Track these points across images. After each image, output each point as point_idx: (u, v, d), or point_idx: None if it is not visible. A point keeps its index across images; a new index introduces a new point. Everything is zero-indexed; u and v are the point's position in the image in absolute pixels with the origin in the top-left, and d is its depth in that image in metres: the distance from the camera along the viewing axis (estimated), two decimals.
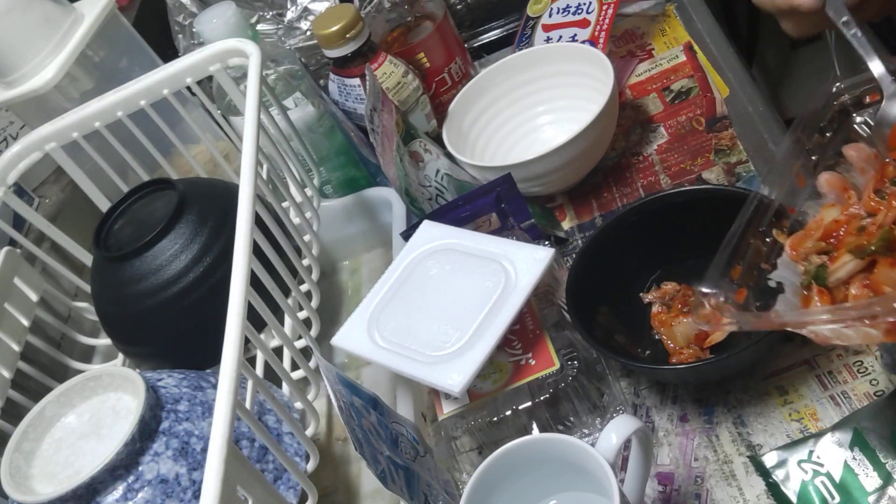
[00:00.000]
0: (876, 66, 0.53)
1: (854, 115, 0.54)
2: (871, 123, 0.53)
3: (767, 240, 0.53)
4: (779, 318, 0.49)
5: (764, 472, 0.57)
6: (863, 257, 0.47)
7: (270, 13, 0.99)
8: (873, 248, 0.46)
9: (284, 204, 0.76)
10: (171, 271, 0.69)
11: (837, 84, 0.55)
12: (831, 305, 0.48)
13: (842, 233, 0.50)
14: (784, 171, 0.54)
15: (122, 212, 0.75)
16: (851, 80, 0.55)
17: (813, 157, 0.54)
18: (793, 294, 0.51)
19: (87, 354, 0.83)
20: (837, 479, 0.55)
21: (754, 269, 0.52)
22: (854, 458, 0.55)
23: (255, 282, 0.57)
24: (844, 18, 0.53)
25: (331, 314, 0.88)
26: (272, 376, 0.66)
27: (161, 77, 0.77)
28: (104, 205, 0.83)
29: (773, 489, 0.56)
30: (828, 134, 0.55)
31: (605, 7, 0.93)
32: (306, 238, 0.80)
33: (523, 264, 0.63)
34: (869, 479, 0.54)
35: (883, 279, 0.46)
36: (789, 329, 0.47)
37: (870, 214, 0.49)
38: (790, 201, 0.54)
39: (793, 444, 0.58)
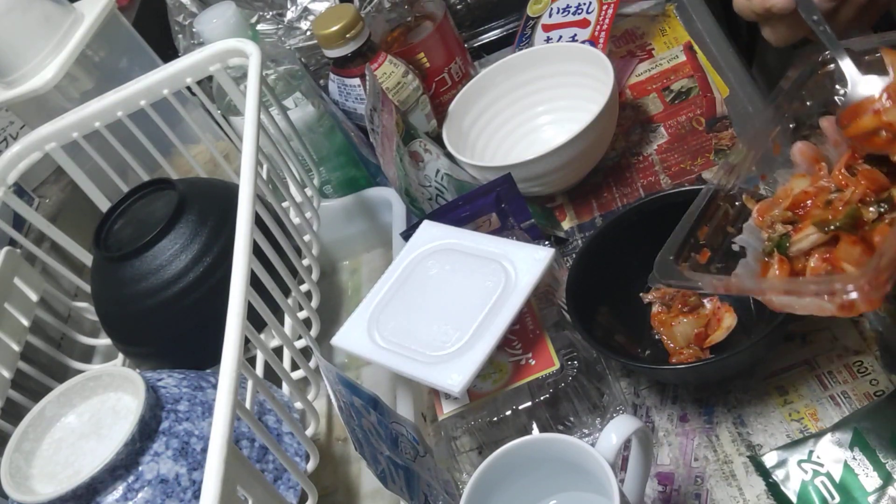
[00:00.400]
0: (846, 64, 0.53)
1: (837, 86, 0.54)
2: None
3: (737, 203, 0.54)
4: (739, 284, 0.50)
5: (764, 472, 0.57)
6: (826, 232, 0.47)
7: (270, 13, 0.99)
8: (838, 224, 0.47)
9: (284, 204, 0.76)
10: (171, 271, 0.69)
11: (825, 53, 0.55)
12: (789, 276, 0.48)
13: (809, 204, 0.50)
14: (761, 137, 0.55)
15: (122, 212, 0.75)
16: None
17: (791, 125, 0.55)
18: (754, 259, 0.51)
19: (87, 354, 0.83)
20: (837, 479, 0.55)
21: (720, 232, 0.53)
22: (854, 458, 0.55)
23: (255, 282, 0.57)
24: (815, 17, 0.53)
25: (331, 314, 0.88)
26: (272, 376, 0.66)
27: (161, 77, 0.77)
28: (104, 205, 0.83)
29: (773, 489, 0.56)
30: (808, 102, 0.55)
31: (605, 7, 0.93)
32: (306, 238, 0.80)
33: (523, 264, 0.63)
34: (869, 479, 0.54)
35: (843, 256, 0.46)
36: (747, 294, 0.47)
37: (838, 190, 0.49)
38: (764, 167, 0.54)
39: (793, 444, 0.58)
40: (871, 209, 0.47)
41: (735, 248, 0.53)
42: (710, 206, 0.54)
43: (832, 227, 0.47)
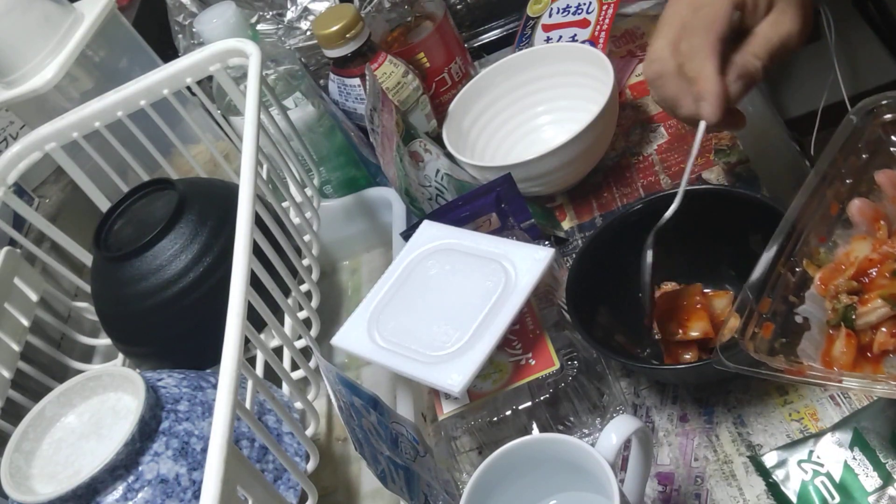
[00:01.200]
0: None
1: (892, 136, 0.51)
2: None
3: (797, 270, 0.51)
4: (810, 372, 0.47)
5: (764, 472, 0.57)
6: (894, 307, 0.45)
7: (270, 13, 0.99)
8: None
9: (284, 204, 0.76)
10: (171, 271, 0.69)
11: (881, 101, 0.51)
12: (856, 350, 0.46)
13: (874, 273, 0.48)
14: (817, 196, 0.52)
15: (122, 212, 0.75)
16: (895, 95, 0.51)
17: (847, 181, 0.52)
18: (818, 332, 0.49)
19: (87, 354, 0.83)
20: (837, 479, 0.55)
21: (782, 302, 0.50)
22: (854, 458, 0.55)
23: (255, 282, 0.57)
24: None
25: (331, 314, 0.88)
26: (272, 376, 0.66)
27: (161, 77, 0.77)
28: (104, 205, 0.83)
29: (773, 489, 0.56)
30: (864, 156, 0.52)
31: (605, 7, 0.93)
32: (306, 238, 0.80)
33: (523, 264, 0.63)
34: (869, 479, 0.54)
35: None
36: (820, 384, 0.46)
37: None
38: (821, 229, 0.51)
39: (793, 444, 0.58)
40: None
41: (798, 319, 0.50)
42: (772, 275, 0.51)
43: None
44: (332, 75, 0.87)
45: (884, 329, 0.46)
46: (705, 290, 0.67)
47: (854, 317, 0.47)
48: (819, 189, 0.52)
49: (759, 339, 0.49)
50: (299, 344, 0.70)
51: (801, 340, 0.49)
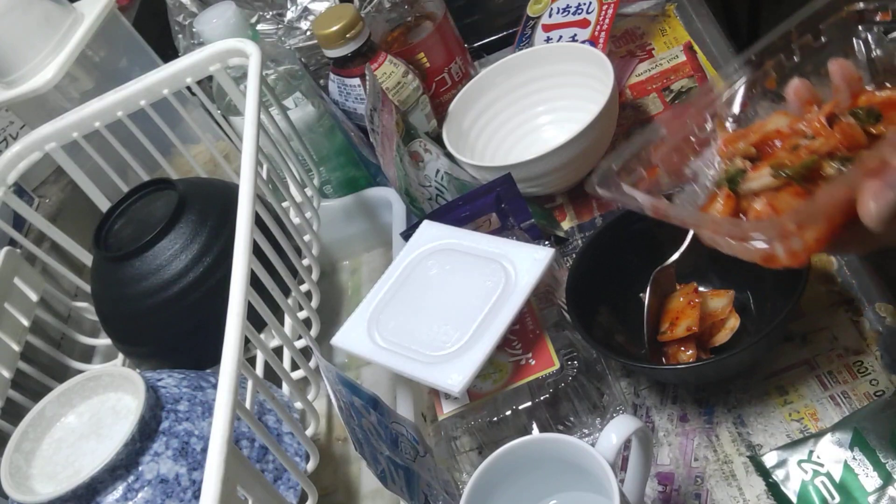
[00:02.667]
0: None
1: (859, 27, 0.49)
2: (874, 44, 0.48)
3: (707, 125, 0.50)
4: (665, 209, 0.46)
5: (764, 472, 0.57)
6: (778, 177, 0.44)
7: (270, 13, 0.99)
8: (790, 171, 0.44)
9: (284, 204, 0.76)
10: (171, 271, 0.69)
11: None
12: (732, 214, 0.45)
13: (778, 145, 0.46)
14: (758, 62, 0.50)
15: (122, 212, 0.75)
16: None
17: (794, 58, 0.49)
18: (702, 188, 0.48)
19: (87, 354, 0.83)
20: (837, 479, 0.55)
21: (679, 152, 0.50)
22: (854, 458, 0.55)
23: (255, 282, 0.57)
24: None
25: (331, 314, 0.88)
26: (272, 376, 0.66)
27: (161, 77, 0.77)
28: (104, 205, 0.83)
29: (773, 489, 0.56)
30: (822, 38, 0.49)
31: (605, 7, 0.93)
32: (306, 238, 0.80)
33: (523, 264, 0.63)
34: (869, 479, 0.54)
35: (782, 205, 0.43)
36: (671, 222, 0.45)
37: (812, 137, 0.45)
38: (751, 95, 0.50)
39: (793, 444, 0.58)
40: (833, 164, 0.43)
41: (687, 171, 0.49)
42: (677, 123, 0.50)
43: (785, 174, 0.44)
44: (332, 75, 0.87)
45: (763, 199, 0.45)
46: (703, 289, 0.67)
47: (740, 181, 0.46)
48: (762, 56, 0.50)
49: (638, 176, 0.48)
50: (299, 344, 0.70)
51: (683, 192, 0.49)
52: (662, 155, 0.49)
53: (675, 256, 0.64)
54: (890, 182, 0.39)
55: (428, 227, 0.71)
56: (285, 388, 0.66)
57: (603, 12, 0.93)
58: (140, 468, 0.55)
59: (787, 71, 0.49)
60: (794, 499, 0.55)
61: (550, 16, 0.98)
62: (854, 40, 0.49)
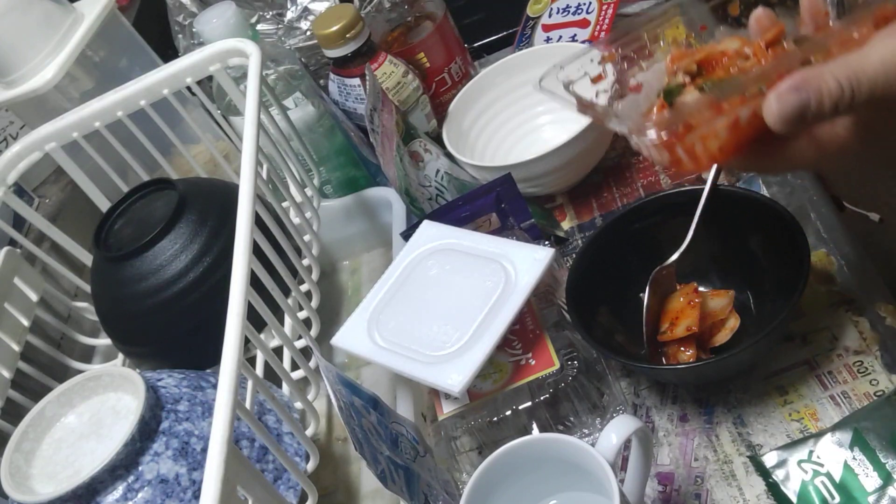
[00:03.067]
0: None
1: None
2: None
3: (661, 42, 0.51)
4: (595, 111, 0.47)
5: (764, 472, 0.57)
6: (703, 91, 0.45)
7: (270, 13, 0.99)
8: (709, 85, 0.45)
9: (284, 204, 0.76)
10: (171, 271, 0.69)
11: None
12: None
13: (721, 64, 0.47)
14: None
15: (122, 212, 0.75)
16: None
17: None
18: (645, 98, 0.49)
19: (87, 354, 0.83)
20: (837, 479, 0.55)
21: (630, 61, 0.51)
22: (854, 458, 0.55)
23: (255, 282, 0.57)
24: None
25: (331, 314, 0.88)
26: (272, 376, 0.66)
27: (161, 77, 0.77)
28: (104, 205, 0.83)
29: (773, 489, 0.56)
30: None
31: (605, 7, 0.93)
32: (306, 238, 0.80)
33: (523, 264, 0.63)
34: (869, 479, 0.54)
35: (695, 114, 0.44)
36: (594, 119, 0.46)
37: (749, 59, 0.47)
38: (710, 19, 0.51)
39: (793, 444, 0.58)
40: (760, 87, 0.44)
41: (632, 81, 0.50)
42: (631, 34, 0.51)
43: (706, 87, 0.45)
44: (332, 75, 0.87)
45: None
46: (703, 289, 0.67)
47: (676, 93, 0.47)
48: None
49: (585, 79, 0.50)
50: (299, 344, 0.70)
51: (625, 100, 0.50)
52: (615, 63, 0.51)
53: (675, 256, 0.64)
54: (795, 84, 0.40)
55: (428, 227, 0.71)
56: (285, 388, 0.66)
57: (603, 12, 0.93)
58: (140, 468, 0.55)
59: (752, 2, 0.50)
60: (794, 499, 0.55)
61: (550, 16, 0.98)
62: None
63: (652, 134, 0.43)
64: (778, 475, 0.57)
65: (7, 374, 0.70)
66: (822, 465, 0.56)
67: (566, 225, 0.84)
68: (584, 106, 0.48)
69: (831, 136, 0.43)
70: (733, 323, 0.64)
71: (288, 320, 0.69)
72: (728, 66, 0.47)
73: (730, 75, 0.46)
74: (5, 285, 0.74)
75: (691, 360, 0.63)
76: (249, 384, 0.58)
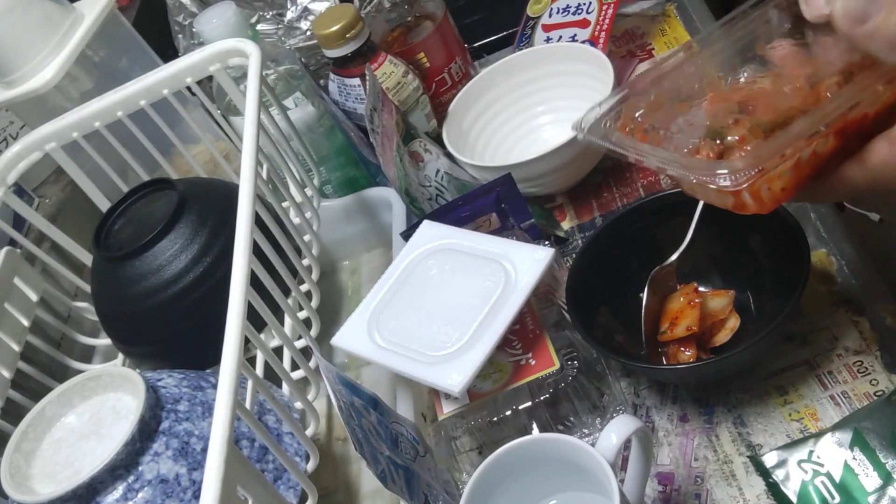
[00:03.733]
0: None
1: None
2: None
3: (695, 85, 0.50)
4: (649, 153, 0.47)
5: (764, 472, 0.57)
6: (753, 131, 0.45)
7: (270, 13, 0.99)
8: (763, 126, 0.45)
9: (284, 204, 0.76)
10: (171, 271, 0.69)
11: None
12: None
13: (761, 105, 0.47)
14: (750, 25, 0.50)
15: (122, 212, 0.75)
16: None
17: (787, 26, 0.48)
18: (686, 144, 0.48)
19: (87, 354, 0.83)
20: (837, 479, 0.55)
21: (663, 104, 0.50)
22: (854, 458, 0.55)
23: (255, 282, 0.57)
24: None
25: (331, 314, 0.88)
26: (272, 376, 0.66)
27: (161, 77, 0.77)
28: (104, 205, 0.83)
29: (773, 489, 0.56)
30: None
31: (605, 7, 0.93)
32: (306, 238, 0.80)
33: (523, 264, 0.63)
34: (869, 479, 0.54)
35: (761, 152, 0.44)
36: (654, 165, 0.46)
37: (793, 95, 0.46)
38: (738, 58, 0.50)
39: (793, 444, 0.58)
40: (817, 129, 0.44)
41: (672, 128, 0.49)
42: (668, 77, 0.50)
43: (763, 128, 0.45)
44: (332, 75, 0.87)
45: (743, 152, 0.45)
46: (703, 289, 0.67)
47: (724, 134, 0.46)
48: (753, 20, 0.50)
49: (635, 128, 0.49)
50: (299, 344, 0.70)
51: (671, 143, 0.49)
52: (646, 111, 0.50)
53: (675, 256, 0.64)
54: None
55: (428, 227, 0.71)
56: (285, 388, 0.66)
57: (603, 12, 0.93)
58: (140, 468, 0.55)
59: (778, 36, 0.49)
60: (794, 499, 0.55)
61: (550, 16, 0.98)
62: None
63: (724, 181, 0.42)
64: (778, 475, 0.57)
65: (7, 374, 0.71)
66: (822, 465, 0.56)
67: (566, 225, 0.84)
68: (639, 158, 0.47)
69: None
70: (733, 323, 0.64)
71: (288, 320, 0.69)
72: (773, 106, 0.46)
73: (778, 115, 0.45)
74: (5, 285, 0.74)
75: (691, 360, 0.63)
76: (249, 384, 0.58)
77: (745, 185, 0.43)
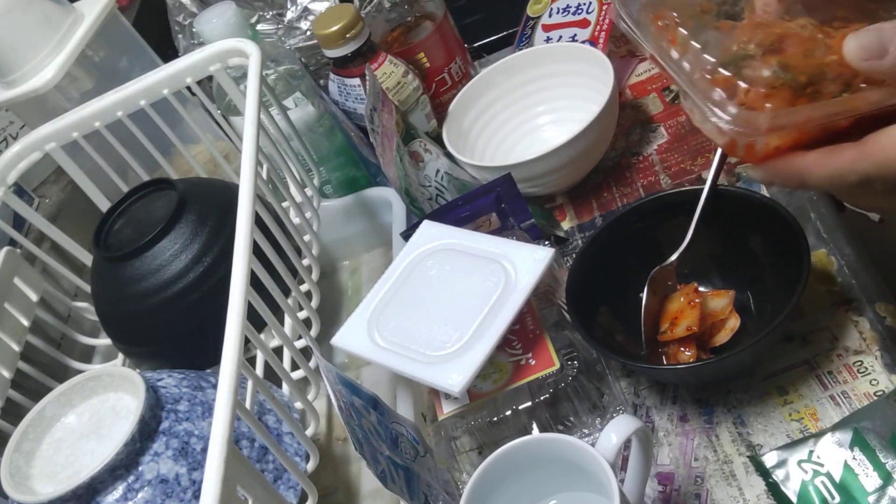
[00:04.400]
0: None
1: None
2: None
3: (737, 6, 0.48)
4: (666, 58, 0.45)
5: (764, 472, 0.57)
6: (776, 75, 0.43)
7: (270, 13, 0.98)
8: (791, 76, 0.43)
9: (284, 204, 0.76)
10: (171, 271, 0.69)
11: None
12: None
13: (794, 46, 0.45)
14: None
15: (122, 212, 0.75)
16: None
17: None
18: (695, 60, 0.46)
19: (87, 354, 0.83)
20: (837, 479, 0.55)
21: (715, 16, 0.48)
22: (854, 458, 0.55)
23: (255, 282, 0.57)
24: None
25: (331, 314, 0.88)
26: (272, 376, 0.66)
27: (161, 77, 0.77)
28: (104, 205, 0.83)
29: (773, 489, 0.56)
30: None
31: (605, 7, 0.93)
32: (306, 238, 0.80)
33: (523, 264, 0.63)
34: (869, 479, 0.54)
35: (765, 102, 0.42)
36: (664, 67, 0.44)
37: (830, 52, 0.44)
38: None
39: (793, 444, 0.58)
40: (833, 85, 0.43)
41: (702, 42, 0.46)
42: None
43: (786, 75, 0.43)
44: (332, 75, 0.87)
45: (752, 89, 0.44)
46: (703, 289, 0.67)
47: (742, 64, 0.45)
48: None
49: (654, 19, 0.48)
50: (299, 344, 0.70)
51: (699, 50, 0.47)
52: (689, 14, 0.48)
53: (675, 256, 0.64)
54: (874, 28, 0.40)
55: (428, 227, 0.71)
56: (285, 388, 0.66)
57: (603, 12, 0.93)
58: (140, 468, 0.55)
59: None
60: (794, 499, 0.55)
61: (550, 16, 0.98)
62: None
63: (729, 125, 0.41)
64: (778, 475, 0.57)
65: (7, 374, 0.71)
66: (822, 465, 0.56)
67: (566, 225, 0.84)
68: (655, 56, 0.46)
69: None
70: (733, 323, 0.64)
71: (288, 320, 0.69)
72: (804, 52, 0.44)
73: (808, 66, 0.43)
74: (5, 285, 0.74)
75: (691, 360, 0.63)
76: (249, 384, 0.58)
77: (749, 137, 0.41)
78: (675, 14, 0.48)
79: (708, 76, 0.45)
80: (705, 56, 0.46)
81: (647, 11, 0.48)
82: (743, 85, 0.44)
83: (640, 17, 0.48)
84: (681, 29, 0.47)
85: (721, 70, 0.45)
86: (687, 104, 0.46)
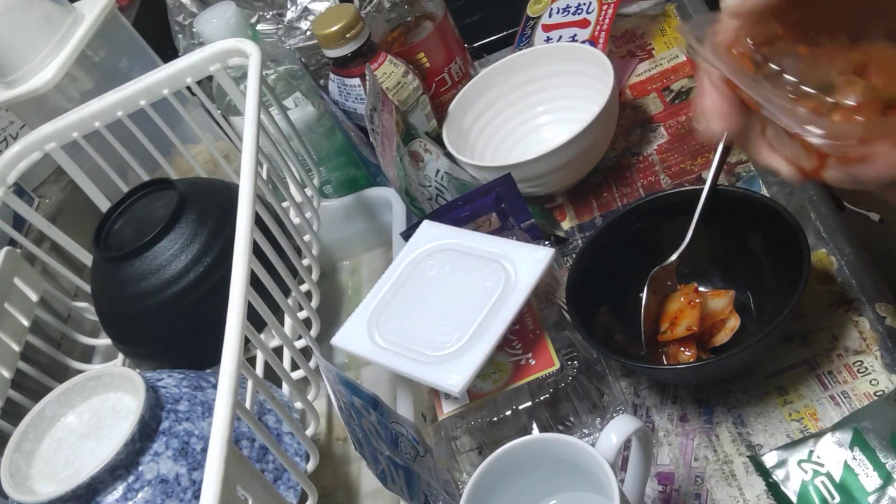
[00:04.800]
0: None
1: None
2: None
3: (815, 34, 0.47)
4: (749, 83, 0.44)
5: (764, 472, 0.57)
6: (868, 97, 0.42)
7: (270, 13, 0.98)
8: (884, 97, 0.42)
9: (284, 204, 0.76)
10: (171, 271, 0.69)
11: None
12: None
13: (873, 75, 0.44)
14: None
15: (122, 212, 0.75)
16: None
17: None
18: (779, 86, 0.45)
19: (87, 354, 0.83)
20: (837, 479, 0.55)
21: (791, 41, 0.47)
22: (854, 458, 0.55)
23: (255, 282, 0.57)
24: None
25: (331, 314, 0.88)
26: (272, 376, 0.66)
27: (161, 77, 0.77)
28: (104, 205, 0.83)
29: (773, 489, 0.56)
30: None
31: (605, 7, 0.93)
32: (306, 238, 0.80)
33: (523, 264, 0.63)
34: (869, 479, 0.54)
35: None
36: (750, 92, 0.43)
37: None
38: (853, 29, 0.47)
39: (793, 444, 0.58)
40: None
41: (787, 67, 0.46)
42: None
43: (872, 93, 0.42)
44: (332, 75, 0.87)
45: (841, 113, 0.43)
46: (703, 289, 0.67)
47: (829, 91, 0.44)
48: None
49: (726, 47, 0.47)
50: (299, 344, 0.70)
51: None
52: (762, 36, 0.47)
53: (675, 256, 0.64)
54: None
55: (428, 227, 0.71)
56: (285, 388, 0.66)
57: (603, 12, 0.93)
58: (140, 468, 0.55)
59: None
60: (794, 499, 0.55)
61: (550, 16, 0.98)
62: None
63: (816, 137, 0.40)
64: (778, 475, 0.57)
65: (7, 374, 0.70)
66: (822, 465, 0.56)
67: (566, 225, 0.84)
68: (734, 80, 0.45)
69: None
70: (733, 323, 0.64)
71: (288, 320, 0.69)
72: (893, 74, 0.44)
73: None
74: (5, 285, 0.74)
75: (691, 360, 0.63)
76: (249, 384, 0.58)
77: (840, 152, 0.41)
78: (749, 41, 0.47)
79: (792, 95, 0.45)
80: (787, 76, 0.45)
81: (719, 39, 0.47)
82: (830, 100, 0.43)
83: (714, 47, 0.47)
84: (757, 55, 0.47)
85: (805, 88, 0.45)
86: (769, 111, 0.44)
